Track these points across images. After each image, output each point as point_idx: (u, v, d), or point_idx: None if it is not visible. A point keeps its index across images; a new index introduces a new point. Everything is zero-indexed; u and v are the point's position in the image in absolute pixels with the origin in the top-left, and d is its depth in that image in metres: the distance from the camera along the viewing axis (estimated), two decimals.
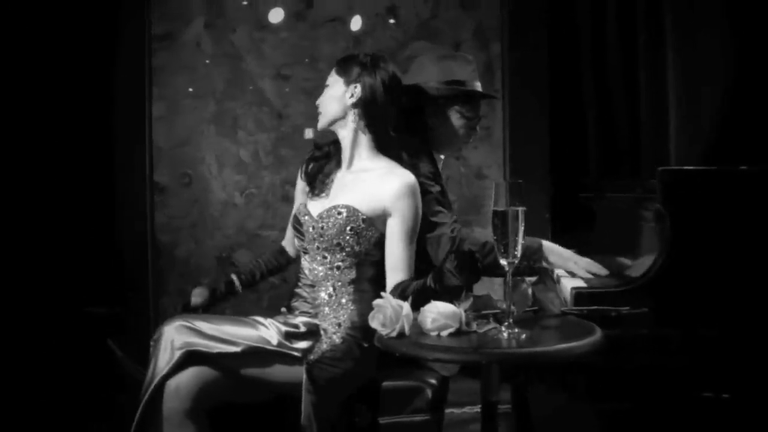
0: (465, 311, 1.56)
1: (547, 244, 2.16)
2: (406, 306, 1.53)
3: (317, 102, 2.15)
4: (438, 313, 1.52)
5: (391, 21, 3.70)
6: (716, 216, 1.89)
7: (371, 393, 2.08)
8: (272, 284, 3.69)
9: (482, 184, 3.72)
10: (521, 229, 1.52)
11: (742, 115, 3.04)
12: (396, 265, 2.00)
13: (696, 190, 1.89)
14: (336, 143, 2.16)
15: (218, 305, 2.28)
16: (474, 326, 1.56)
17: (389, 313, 1.50)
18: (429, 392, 2.08)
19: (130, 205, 3.58)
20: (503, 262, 1.54)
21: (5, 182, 3.18)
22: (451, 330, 1.53)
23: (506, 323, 1.54)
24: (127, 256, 3.57)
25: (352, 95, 2.07)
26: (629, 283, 1.89)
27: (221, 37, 3.68)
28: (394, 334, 1.52)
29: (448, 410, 3.29)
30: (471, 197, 3.72)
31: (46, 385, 3.07)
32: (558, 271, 2.22)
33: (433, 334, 1.54)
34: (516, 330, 1.54)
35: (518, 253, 1.53)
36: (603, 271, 2.14)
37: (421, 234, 2.11)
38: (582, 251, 2.30)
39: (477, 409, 3.31)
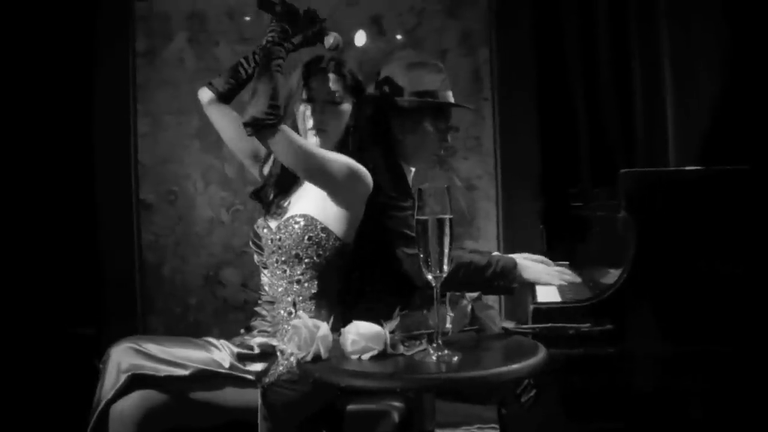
0: (391, 332, 1.43)
1: (522, 262, 2.12)
2: (323, 327, 1.41)
3: (321, 120, 1.99)
4: (358, 334, 1.39)
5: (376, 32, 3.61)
6: (686, 222, 1.74)
7: (334, 417, 1.97)
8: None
9: (473, 195, 3.59)
10: (447, 239, 1.38)
11: (742, 114, 2.89)
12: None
13: (663, 193, 1.75)
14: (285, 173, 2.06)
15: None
16: (401, 348, 1.43)
17: (304, 335, 1.39)
18: (395, 415, 1.96)
19: (115, 224, 3.54)
20: (429, 276, 1.40)
21: None
22: (373, 353, 1.40)
23: (435, 345, 1.40)
24: (113, 276, 3.53)
25: (355, 118, 2.02)
26: (592, 297, 1.75)
27: (204, 52, 3.63)
28: (308, 357, 1.40)
29: (442, 431, 3.22)
30: (461, 209, 3.59)
31: (32, 407, 3.02)
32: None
33: (354, 357, 1.41)
34: (446, 352, 1.40)
35: (445, 266, 1.40)
36: (576, 278, 2.10)
37: (399, 250, 2.01)
38: (575, 263, 2.20)
39: (474, 429, 3.22)
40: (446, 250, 1.37)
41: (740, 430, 1.73)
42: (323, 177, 1.92)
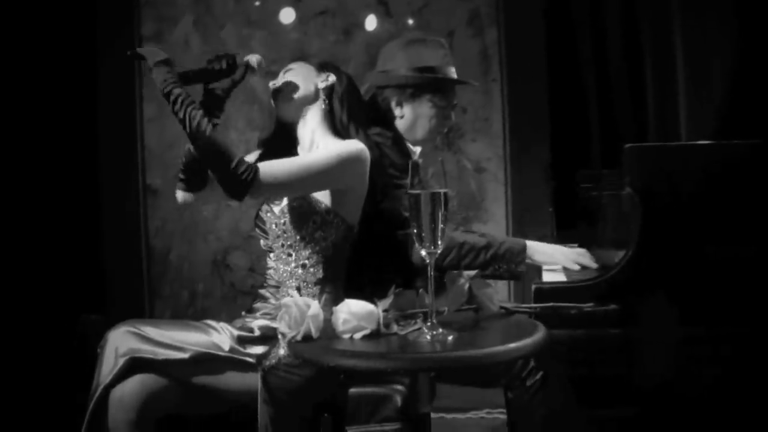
0: (385, 311, 1.39)
1: (532, 245, 2.06)
2: (314, 305, 1.38)
3: (272, 82, 1.97)
4: (350, 313, 1.36)
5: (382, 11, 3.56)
6: (693, 198, 1.68)
7: (336, 401, 1.94)
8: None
9: (482, 177, 3.54)
10: (441, 214, 1.34)
11: (756, 92, 2.82)
12: (270, 162, 1.83)
13: (669, 169, 1.69)
14: (287, 142, 2.02)
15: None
16: (395, 328, 1.39)
17: (294, 313, 1.35)
18: (398, 399, 1.92)
19: (121, 210, 3.54)
20: (422, 252, 1.36)
21: None
22: (365, 332, 1.37)
23: (429, 324, 1.36)
24: (120, 262, 3.53)
25: (324, 80, 1.99)
26: (596, 276, 1.70)
27: (210, 35, 3.61)
28: (299, 337, 1.36)
29: (450, 415, 3.19)
30: (470, 192, 3.55)
31: (40, 393, 3.02)
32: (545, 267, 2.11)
33: (346, 336, 1.37)
34: (441, 331, 1.36)
35: (439, 242, 1.35)
36: (592, 264, 2.02)
37: (394, 231, 1.99)
38: (587, 245, 2.16)
39: (482, 414, 3.18)
40: (440, 225, 1.33)
41: (750, 413, 1.68)
42: (319, 183, 1.88)
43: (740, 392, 1.73)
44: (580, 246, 2.34)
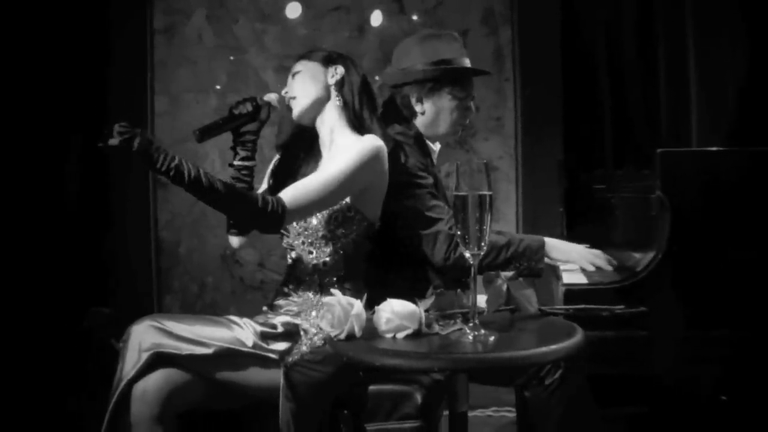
0: (426, 311, 1.40)
1: (550, 242, 2.07)
2: (357, 305, 1.38)
3: (284, 90, 2.01)
4: (393, 312, 1.36)
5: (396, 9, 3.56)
6: (723, 202, 1.70)
7: (357, 398, 1.94)
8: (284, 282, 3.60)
9: (494, 176, 3.55)
10: (487, 216, 1.35)
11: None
12: (292, 188, 1.83)
13: (700, 173, 1.70)
14: (306, 142, 2.04)
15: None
16: (436, 327, 1.40)
17: (338, 312, 1.36)
18: (419, 396, 1.93)
19: (132, 204, 3.52)
20: (466, 254, 1.37)
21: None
22: (408, 332, 1.38)
23: (471, 324, 1.37)
24: (130, 255, 3.51)
25: (333, 75, 1.99)
26: (626, 279, 1.71)
27: (223, 30, 3.60)
28: (342, 336, 1.37)
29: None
30: None
31: (50, 386, 3.01)
32: (562, 266, 2.10)
33: (388, 336, 1.38)
34: (482, 332, 1.37)
35: (484, 244, 1.37)
36: (607, 266, 2.02)
37: (415, 230, 1.99)
38: (597, 246, 2.16)
39: (489, 412, 3.19)
40: (485, 227, 1.34)
41: None
42: (343, 193, 1.89)
43: (762, 392, 1.75)
44: (592, 246, 2.36)
